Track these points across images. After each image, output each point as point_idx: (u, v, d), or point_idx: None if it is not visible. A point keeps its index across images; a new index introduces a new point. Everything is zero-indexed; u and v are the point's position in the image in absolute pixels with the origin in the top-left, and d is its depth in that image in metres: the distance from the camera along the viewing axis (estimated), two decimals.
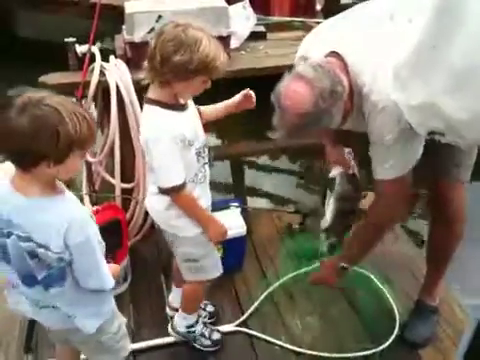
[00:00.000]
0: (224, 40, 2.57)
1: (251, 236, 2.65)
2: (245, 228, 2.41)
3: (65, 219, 1.32)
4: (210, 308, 2.28)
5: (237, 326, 2.22)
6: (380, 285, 2.39)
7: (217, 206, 2.47)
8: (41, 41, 5.91)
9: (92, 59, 2.41)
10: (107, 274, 1.44)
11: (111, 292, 1.56)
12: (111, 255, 1.81)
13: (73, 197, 1.42)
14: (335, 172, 2.04)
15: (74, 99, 2.39)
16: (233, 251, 2.41)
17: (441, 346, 2.14)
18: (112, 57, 2.40)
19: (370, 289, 2.40)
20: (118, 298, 1.87)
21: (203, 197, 1.87)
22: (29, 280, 1.43)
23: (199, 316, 2.16)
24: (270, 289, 2.38)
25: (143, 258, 2.59)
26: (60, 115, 1.23)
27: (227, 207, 2.48)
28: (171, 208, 1.79)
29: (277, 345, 2.15)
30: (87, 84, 2.35)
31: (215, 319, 2.26)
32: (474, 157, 2.01)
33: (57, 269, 1.38)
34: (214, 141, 3.98)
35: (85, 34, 2.71)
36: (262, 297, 2.34)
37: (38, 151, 1.23)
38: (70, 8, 5.85)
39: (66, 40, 2.44)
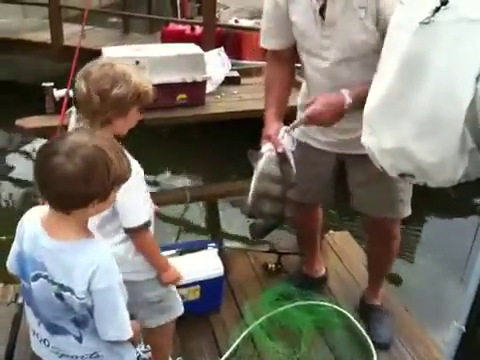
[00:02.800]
0: (200, 85, 2.66)
1: (228, 277, 2.64)
2: (222, 269, 2.42)
3: (92, 263, 1.31)
4: None
5: None
6: (356, 323, 2.42)
7: (194, 247, 2.51)
8: (14, 82, 5.94)
9: (69, 103, 2.45)
10: (126, 324, 1.40)
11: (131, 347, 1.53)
12: None
13: (102, 241, 1.42)
14: (265, 148, 1.93)
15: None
16: (210, 292, 2.41)
17: None
18: None
19: (347, 327, 2.42)
20: None
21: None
22: (53, 328, 1.42)
23: None
24: (247, 330, 2.37)
25: None
26: (107, 155, 1.26)
27: (204, 248, 2.50)
28: (137, 252, 1.76)
29: None
30: (64, 128, 2.37)
31: None
32: (410, 193, 2.15)
33: (80, 315, 1.36)
34: (190, 182, 4.08)
35: (57, 76, 2.75)
36: (240, 339, 2.32)
37: (90, 193, 1.25)
38: (43, 51, 5.93)
39: (44, 84, 2.49)
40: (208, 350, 2.31)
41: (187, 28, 5.80)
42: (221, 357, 2.26)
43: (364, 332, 2.37)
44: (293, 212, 2.31)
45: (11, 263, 1.47)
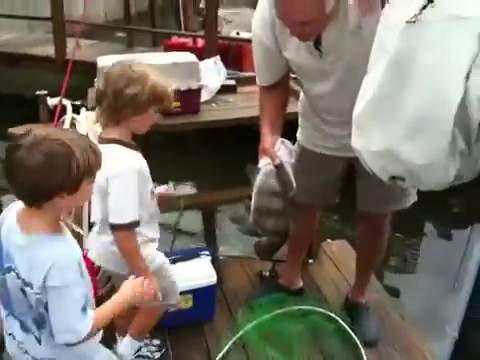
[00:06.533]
0: (194, 93, 2.67)
1: (222, 285, 2.62)
2: (215, 277, 2.39)
3: (49, 259, 1.31)
4: (156, 341, 2.25)
5: None
6: (348, 329, 2.39)
7: (187, 255, 2.49)
8: (16, 96, 5.96)
9: (64, 112, 2.47)
10: (79, 327, 1.37)
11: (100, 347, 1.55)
12: None
13: (71, 240, 1.42)
14: (263, 163, 1.87)
15: None
16: (203, 300, 2.38)
17: None
18: (83, 109, 2.46)
19: (339, 332, 2.39)
20: None
21: (156, 239, 1.90)
22: (20, 323, 1.44)
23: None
24: (238, 334, 2.33)
25: None
26: (69, 147, 1.29)
27: (197, 255, 2.47)
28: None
29: None
30: None
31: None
32: None
33: (38, 313, 1.37)
34: (186, 190, 4.06)
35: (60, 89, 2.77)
36: (230, 343, 2.29)
37: (53, 184, 1.28)
38: (46, 64, 5.97)
39: (38, 93, 2.50)
40: (200, 358, 2.27)
41: (189, 41, 5.86)
42: None
43: (356, 338, 2.33)
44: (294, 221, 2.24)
45: None
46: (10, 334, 1.49)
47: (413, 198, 2.19)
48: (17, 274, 1.35)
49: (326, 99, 1.96)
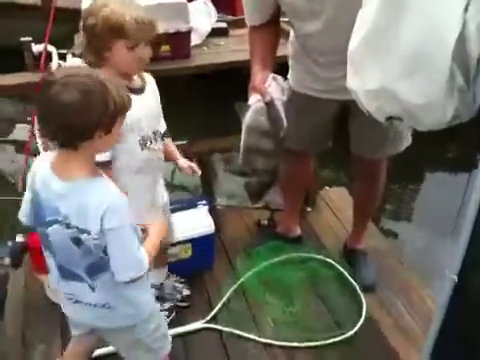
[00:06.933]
0: (184, 36, 2.55)
1: (220, 234, 2.61)
2: (213, 227, 2.37)
3: (103, 202, 1.30)
4: (186, 292, 2.29)
5: (207, 323, 2.18)
6: (346, 273, 2.41)
7: (185, 205, 2.45)
8: (2, 46, 5.82)
9: (50, 59, 2.37)
10: (140, 263, 1.39)
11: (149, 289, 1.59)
12: None
13: (111, 181, 1.40)
14: (253, 100, 1.80)
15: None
16: (202, 250, 2.37)
17: (411, 334, 2.16)
18: (69, 56, 2.36)
19: (338, 278, 2.41)
20: None
21: (150, 192, 1.83)
22: (67, 273, 1.43)
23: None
24: (238, 283, 2.35)
25: None
26: (104, 84, 1.25)
27: (195, 206, 2.44)
28: None
29: (247, 339, 2.12)
30: None
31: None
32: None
33: (98, 258, 1.36)
34: (178, 140, 3.90)
35: (50, 38, 2.65)
36: (230, 291, 2.30)
37: (92, 122, 1.24)
38: (33, 12, 5.79)
39: (22, 39, 2.39)
40: (201, 307, 2.28)
41: None
42: None
43: (353, 282, 2.35)
44: (286, 164, 2.19)
45: (24, 212, 1.46)
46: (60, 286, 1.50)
47: (407, 142, 2.16)
48: (67, 224, 1.32)
49: (317, 38, 1.90)
